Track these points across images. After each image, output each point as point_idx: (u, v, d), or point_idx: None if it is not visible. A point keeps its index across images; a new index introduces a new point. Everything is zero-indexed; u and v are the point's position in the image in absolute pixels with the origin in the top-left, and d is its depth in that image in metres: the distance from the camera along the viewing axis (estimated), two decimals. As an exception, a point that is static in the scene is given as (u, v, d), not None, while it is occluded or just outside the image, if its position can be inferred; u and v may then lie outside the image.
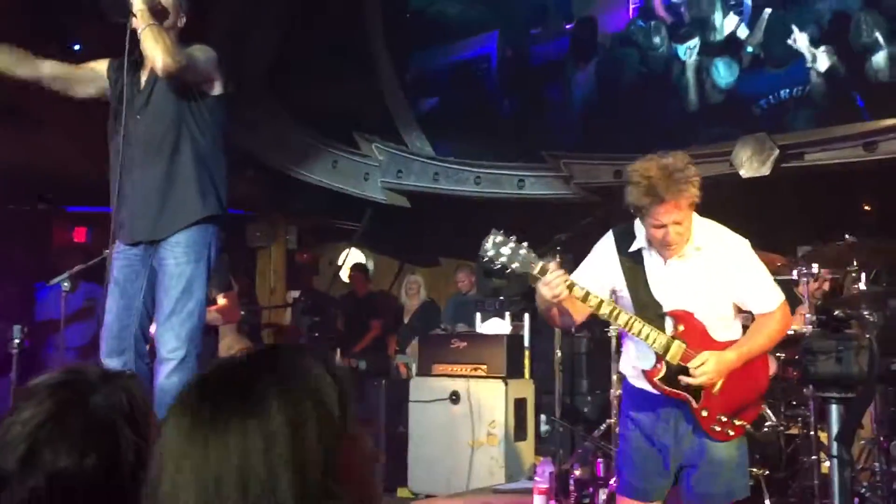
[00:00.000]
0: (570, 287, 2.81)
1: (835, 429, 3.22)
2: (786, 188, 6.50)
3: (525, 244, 2.82)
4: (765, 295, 3.01)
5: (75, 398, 1.26)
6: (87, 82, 3.44)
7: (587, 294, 2.85)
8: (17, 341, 4.05)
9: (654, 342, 2.88)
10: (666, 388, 2.92)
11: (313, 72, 8.74)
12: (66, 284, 4.98)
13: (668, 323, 2.94)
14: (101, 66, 3.45)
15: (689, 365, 2.86)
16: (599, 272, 3.05)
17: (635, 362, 3.05)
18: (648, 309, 2.94)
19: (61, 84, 3.41)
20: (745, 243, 3.02)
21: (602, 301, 2.88)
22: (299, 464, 0.99)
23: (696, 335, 2.92)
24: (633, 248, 3.00)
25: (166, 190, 3.27)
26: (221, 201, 3.42)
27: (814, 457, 4.27)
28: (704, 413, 2.91)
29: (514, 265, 2.81)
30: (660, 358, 2.91)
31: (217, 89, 3.39)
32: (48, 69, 3.36)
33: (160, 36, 3.16)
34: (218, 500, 0.97)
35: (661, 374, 2.92)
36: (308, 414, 1.01)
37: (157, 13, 3.25)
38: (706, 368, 2.84)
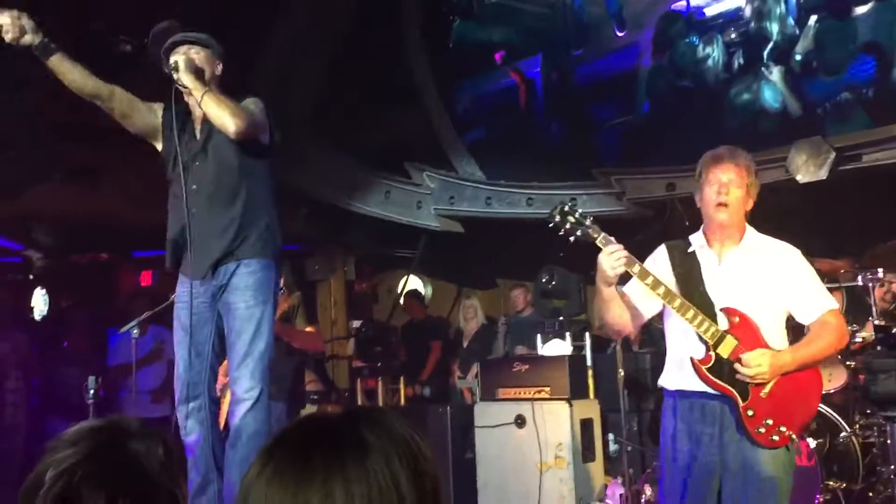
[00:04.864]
0: (631, 263, 2.88)
1: (899, 448, 3.13)
2: (846, 191, 6.36)
3: (590, 217, 2.95)
4: (814, 301, 3.00)
5: (113, 442, 1.29)
6: (145, 116, 3.56)
7: (645, 272, 2.91)
8: (92, 391, 4.21)
9: (706, 331, 2.89)
10: (713, 379, 2.90)
11: (361, 105, 8.89)
12: (135, 331, 5.14)
13: (722, 319, 2.95)
14: (157, 107, 3.59)
15: (742, 356, 2.85)
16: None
17: (683, 355, 3.01)
18: (701, 309, 2.94)
19: (123, 107, 3.49)
20: (795, 250, 3.04)
21: (659, 282, 2.92)
22: None
23: (749, 334, 2.91)
24: (689, 249, 3.07)
25: (229, 234, 3.40)
26: (279, 244, 3.56)
27: (892, 466, 4.15)
28: (750, 412, 2.87)
29: (578, 233, 2.93)
30: (710, 348, 2.91)
31: (267, 138, 3.51)
32: (116, 90, 3.48)
33: (220, 101, 3.30)
34: None
35: (711, 364, 2.91)
36: (407, 473, 1.05)
37: (201, 73, 3.39)
38: (760, 361, 2.83)
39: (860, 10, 6.45)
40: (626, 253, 2.87)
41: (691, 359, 2.94)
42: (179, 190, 3.44)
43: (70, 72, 3.33)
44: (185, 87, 3.33)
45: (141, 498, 1.26)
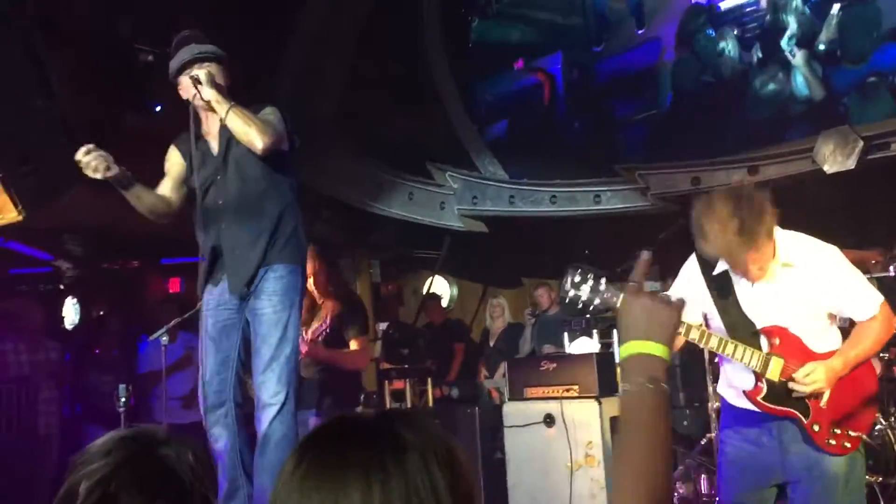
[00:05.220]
0: None
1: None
2: (874, 181, 6.26)
3: (604, 279, 2.71)
4: (862, 301, 2.91)
5: (145, 450, 1.31)
6: (181, 171, 3.61)
7: None
8: (122, 399, 4.24)
9: (750, 361, 2.82)
10: (771, 406, 2.85)
11: (382, 107, 8.90)
12: (164, 338, 5.18)
13: (763, 340, 2.87)
14: (174, 155, 3.62)
15: (795, 376, 2.79)
16: (687, 299, 2.97)
17: (735, 383, 2.97)
18: (740, 329, 2.88)
19: (181, 193, 3.59)
20: (833, 251, 2.92)
21: (690, 326, 2.82)
22: None
23: (793, 349, 2.84)
24: (718, 270, 2.95)
25: (261, 245, 3.42)
26: (305, 248, 3.60)
27: (930, 460, 4.09)
28: (816, 427, 2.82)
29: (596, 302, 2.72)
30: (759, 377, 2.85)
31: (287, 145, 3.52)
32: (168, 186, 3.57)
33: (247, 118, 3.30)
34: None
35: (764, 393, 2.85)
36: (444, 473, 1.04)
37: (222, 89, 3.40)
38: (815, 377, 2.77)
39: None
40: None
41: (744, 392, 2.90)
42: (202, 209, 3.47)
43: (146, 196, 3.43)
44: (206, 102, 3.34)
45: (176, 502, 1.27)
